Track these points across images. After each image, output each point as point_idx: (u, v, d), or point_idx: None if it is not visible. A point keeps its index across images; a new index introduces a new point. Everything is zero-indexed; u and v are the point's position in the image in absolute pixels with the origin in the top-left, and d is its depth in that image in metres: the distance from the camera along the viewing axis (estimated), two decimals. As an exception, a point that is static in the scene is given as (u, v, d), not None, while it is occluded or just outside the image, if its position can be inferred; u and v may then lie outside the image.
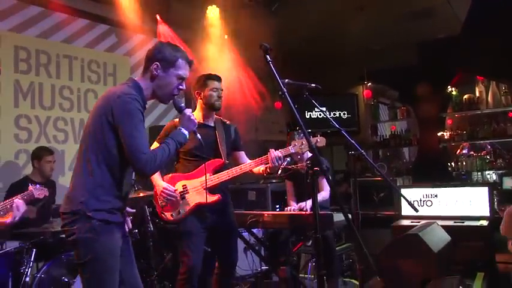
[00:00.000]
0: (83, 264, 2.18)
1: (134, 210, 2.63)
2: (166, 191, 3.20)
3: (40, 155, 4.30)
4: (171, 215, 3.22)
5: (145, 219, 4.24)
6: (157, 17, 5.81)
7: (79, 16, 5.34)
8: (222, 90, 3.41)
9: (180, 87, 2.40)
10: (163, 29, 5.91)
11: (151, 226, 4.24)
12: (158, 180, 3.27)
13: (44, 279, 3.54)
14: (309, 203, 3.85)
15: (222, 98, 3.41)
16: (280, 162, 3.23)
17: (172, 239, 4.63)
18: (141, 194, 4.16)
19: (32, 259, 3.55)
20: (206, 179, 3.14)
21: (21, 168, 4.70)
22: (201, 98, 3.39)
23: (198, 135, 2.50)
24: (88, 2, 5.40)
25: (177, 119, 3.40)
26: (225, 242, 3.38)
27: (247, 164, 3.37)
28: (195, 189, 3.24)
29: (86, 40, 5.43)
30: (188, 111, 2.49)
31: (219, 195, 3.22)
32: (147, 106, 2.38)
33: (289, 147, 3.32)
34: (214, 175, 3.26)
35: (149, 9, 5.50)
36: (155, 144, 3.27)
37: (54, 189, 4.48)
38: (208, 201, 3.14)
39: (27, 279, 3.47)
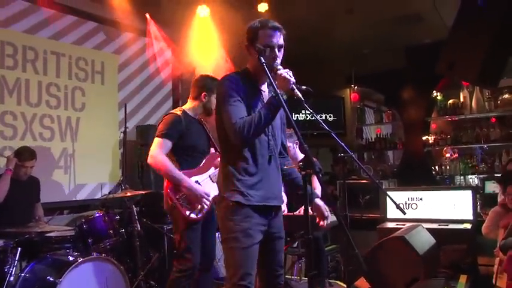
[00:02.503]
0: None
1: None
2: (207, 197, 3.22)
3: (19, 157, 4.16)
4: (197, 214, 3.22)
5: (132, 219, 4.21)
6: (147, 15, 5.78)
7: (67, 13, 5.28)
8: None
9: (273, 55, 2.35)
10: (152, 27, 5.89)
11: (139, 226, 4.21)
12: (191, 182, 3.24)
13: (28, 279, 3.47)
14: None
15: None
16: None
17: (159, 240, 4.64)
18: (129, 194, 4.14)
19: (16, 258, 3.48)
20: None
21: (6, 166, 4.62)
22: (204, 100, 3.44)
23: (297, 91, 2.24)
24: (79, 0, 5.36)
25: (175, 111, 3.42)
26: (204, 238, 3.39)
27: None
28: (206, 183, 3.30)
29: (74, 37, 5.38)
30: (284, 70, 2.29)
31: None
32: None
33: None
34: (218, 168, 3.30)
35: (139, 7, 5.48)
36: (158, 140, 3.25)
37: (37, 186, 4.43)
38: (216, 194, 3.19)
39: (12, 278, 3.41)
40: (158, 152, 3.20)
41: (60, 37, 5.22)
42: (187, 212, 3.18)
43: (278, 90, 2.25)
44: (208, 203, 3.22)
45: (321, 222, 2.67)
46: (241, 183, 2.36)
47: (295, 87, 2.25)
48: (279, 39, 2.40)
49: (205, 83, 3.44)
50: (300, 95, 2.24)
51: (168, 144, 3.24)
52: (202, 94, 3.42)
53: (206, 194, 3.21)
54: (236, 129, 2.25)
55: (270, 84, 2.45)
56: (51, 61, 5.12)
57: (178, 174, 3.19)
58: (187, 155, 3.32)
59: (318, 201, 2.68)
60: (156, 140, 3.25)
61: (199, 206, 3.21)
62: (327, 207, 2.68)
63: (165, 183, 3.27)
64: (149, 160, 3.23)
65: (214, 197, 3.22)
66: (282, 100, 2.21)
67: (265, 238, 2.43)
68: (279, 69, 2.30)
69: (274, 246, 2.52)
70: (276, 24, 2.41)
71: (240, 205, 2.34)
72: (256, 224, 2.36)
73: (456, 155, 7.49)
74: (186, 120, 3.33)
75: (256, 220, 2.37)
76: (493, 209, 4.18)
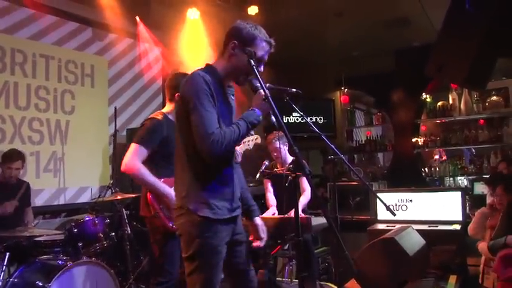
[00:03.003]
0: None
1: None
2: None
3: (5, 159, 4.14)
4: None
5: (122, 223, 4.19)
6: (137, 18, 5.77)
7: (56, 15, 5.26)
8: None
9: (259, 69, 2.25)
10: (142, 30, 5.88)
11: (129, 229, 4.19)
12: (169, 189, 3.05)
13: (17, 284, 3.43)
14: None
15: None
16: (239, 158, 3.28)
17: (150, 243, 4.62)
18: (119, 197, 4.12)
19: (5, 263, 3.45)
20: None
21: (-6, 169, 4.58)
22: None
23: (273, 117, 2.21)
24: (67, 2, 5.33)
25: (155, 115, 3.33)
26: None
27: None
28: None
29: (65, 40, 5.35)
30: (262, 91, 2.22)
31: None
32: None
33: (240, 145, 3.43)
34: None
35: (129, 10, 5.47)
36: (134, 146, 3.18)
37: (27, 190, 4.40)
38: None
39: (0, 283, 3.39)
40: (132, 159, 3.02)
41: (49, 40, 5.19)
42: (171, 224, 3.03)
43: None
44: None
45: (255, 243, 2.53)
46: (208, 194, 2.19)
47: (271, 113, 2.20)
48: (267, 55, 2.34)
49: (174, 84, 3.21)
50: (278, 121, 2.17)
51: (144, 152, 3.05)
52: (177, 95, 3.31)
53: None
54: (213, 141, 2.06)
55: (269, 89, 2.25)
56: (40, 64, 5.09)
57: (155, 181, 3.03)
58: (165, 161, 3.12)
59: (258, 220, 2.55)
60: (132, 146, 3.07)
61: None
62: (264, 228, 2.56)
63: (145, 191, 3.13)
64: (122, 167, 3.05)
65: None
66: (272, 103, 2.18)
67: (231, 245, 2.31)
68: (259, 87, 2.23)
69: (241, 250, 2.39)
70: (272, 40, 2.35)
71: (209, 220, 2.16)
72: (223, 239, 2.22)
73: (444, 157, 7.56)
74: (167, 125, 3.15)
75: (223, 234, 2.22)
76: (480, 210, 4.22)
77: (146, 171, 3.02)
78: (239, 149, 3.47)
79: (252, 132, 3.67)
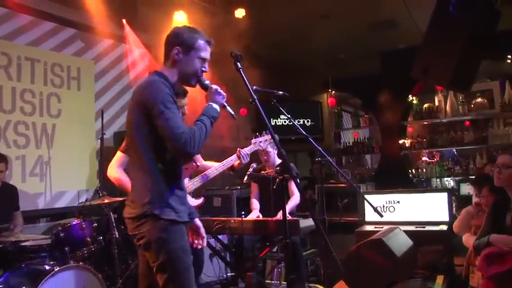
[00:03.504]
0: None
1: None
2: None
3: None
4: None
5: (110, 226, 4.16)
6: (124, 21, 5.74)
7: (44, 19, 5.21)
8: (187, 104, 3.37)
9: (203, 69, 2.36)
10: (129, 33, 5.86)
11: (117, 233, 4.16)
12: None
13: (2, 289, 3.41)
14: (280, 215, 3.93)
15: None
16: (248, 159, 3.39)
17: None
18: (106, 201, 4.10)
19: (-10, 268, 3.42)
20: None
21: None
22: None
23: (229, 108, 2.38)
24: (54, 5, 5.29)
25: None
26: (192, 249, 3.35)
27: (220, 164, 3.42)
28: None
29: (50, 43, 5.30)
30: (214, 86, 2.39)
31: (204, 198, 3.26)
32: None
33: (251, 146, 3.53)
34: (192, 179, 3.28)
35: (116, 13, 5.44)
36: (119, 154, 3.25)
37: (14, 194, 4.36)
38: (194, 204, 3.17)
39: (-15, 289, 3.35)
40: (114, 167, 3.21)
41: (35, 43, 5.14)
42: None
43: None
44: None
45: (196, 243, 2.60)
46: (171, 199, 2.21)
47: (226, 104, 2.37)
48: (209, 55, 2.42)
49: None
50: (231, 112, 2.37)
51: (125, 159, 3.21)
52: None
53: None
54: (185, 141, 2.11)
55: (254, 92, 2.40)
56: (25, 67, 5.03)
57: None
58: None
59: (197, 221, 2.60)
60: (117, 155, 3.27)
61: None
62: (203, 231, 2.63)
63: None
64: (107, 174, 3.26)
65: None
66: (260, 107, 2.22)
67: None
68: (209, 83, 2.37)
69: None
70: (211, 40, 2.42)
71: (175, 223, 2.19)
72: (187, 240, 2.30)
73: (437, 157, 7.62)
74: None
75: (187, 237, 2.31)
76: (466, 208, 4.26)
77: (123, 178, 3.16)
78: (248, 150, 3.51)
79: (265, 133, 3.73)
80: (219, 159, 3.62)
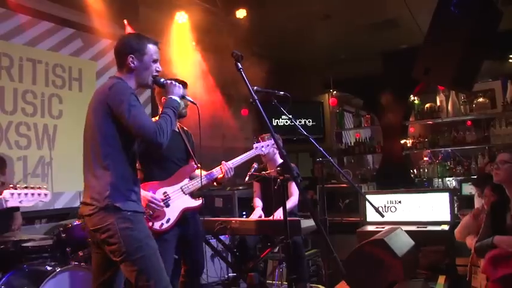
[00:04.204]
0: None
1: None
2: (155, 200, 3.11)
3: None
4: (161, 224, 3.15)
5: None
6: (125, 21, 5.74)
7: (44, 19, 5.21)
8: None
9: (158, 69, 2.54)
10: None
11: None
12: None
13: (4, 290, 3.41)
14: (277, 213, 3.93)
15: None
16: (231, 173, 3.38)
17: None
18: (107, 201, 4.09)
19: (-9, 269, 3.42)
20: (205, 182, 3.31)
21: (-19, 175, 4.52)
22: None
23: (188, 97, 2.61)
24: (54, 5, 5.29)
25: None
26: (193, 249, 3.36)
27: (204, 176, 3.36)
28: (177, 195, 3.22)
29: (51, 44, 5.30)
30: (168, 80, 2.62)
31: (203, 199, 3.25)
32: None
33: (252, 150, 3.50)
34: (192, 180, 3.27)
35: (117, 13, 5.44)
36: None
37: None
38: (193, 205, 3.16)
39: (-14, 290, 3.35)
40: None
41: (36, 43, 5.15)
42: (150, 224, 3.09)
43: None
44: (156, 207, 3.10)
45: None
46: (130, 192, 2.38)
47: (184, 94, 2.67)
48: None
49: (159, 89, 3.30)
50: (191, 100, 2.74)
51: None
52: (163, 99, 3.37)
53: (152, 197, 3.09)
54: (155, 132, 2.30)
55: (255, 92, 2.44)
56: (27, 68, 5.03)
57: None
58: (157, 165, 3.23)
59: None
60: None
61: (165, 217, 3.12)
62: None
63: None
64: None
65: (186, 208, 3.20)
66: (260, 106, 2.23)
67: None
68: (164, 80, 2.60)
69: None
70: (157, 40, 2.60)
71: (138, 213, 2.37)
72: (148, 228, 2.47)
73: (440, 157, 7.60)
74: None
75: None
76: (465, 218, 4.14)
77: None
78: (248, 155, 3.51)
79: (267, 137, 3.73)
80: (219, 160, 3.61)
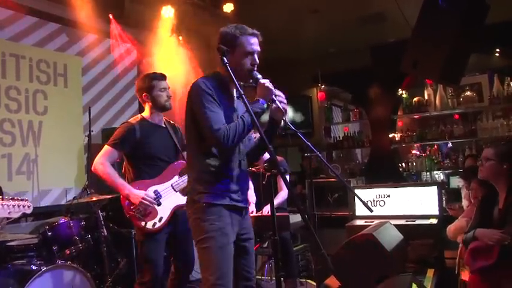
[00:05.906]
0: None
1: None
2: (148, 199, 3.09)
3: None
4: (154, 224, 3.12)
5: (98, 224, 4.11)
6: (110, 16, 5.66)
7: (28, 13, 5.11)
8: (169, 88, 3.37)
9: (254, 62, 2.48)
10: (116, 28, 5.77)
11: (105, 231, 4.11)
12: (131, 188, 3.13)
13: (-11, 290, 3.36)
14: (265, 209, 3.91)
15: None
16: None
17: (127, 244, 4.56)
18: (94, 198, 4.05)
19: (-24, 269, 3.36)
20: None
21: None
22: (149, 100, 3.32)
23: (278, 102, 2.43)
24: (40, 0, 5.19)
25: (132, 119, 3.35)
26: (183, 246, 3.33)
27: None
28: (168, 193, 3.19)
29: (35, 39, 5.21)
30: (265, 80, 2.47)
31: None
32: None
33: None
34: (182, 177, 3.24)
35: (102, 8, 5.35)
36: (106, 148, 3.21)
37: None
38: (185, 202, 3.14)
39: (-29, 290, 3.29)
40: (101, 160, 3.17)
41: (20, 39, 5.05)
42: (143, 223, 3.10)
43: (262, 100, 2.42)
44: (149, 205, 3.10)
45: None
46: (212, 186, 2.40)
47: (275, 98, 2.41)
48: (258, 46, 2.50)
49: (140, 85, 3.37)
50: (280, 106, 2.40)
51: (115, 154, 3.20)
52: (144, 96, 3.33)
53: (146, 195, 3.09)
54: (220, 136, 2.28)
55: (237, 90, 2.44)
56: (10, 63, 4.93)
57: (117, 181, 3.13)
58: (145, 164, 3.22)
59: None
60: (104, 148, 3.23)
61: (139, 211, 3.10)
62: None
63: None
64: (92, 167, 3.20)
65: (178, 206, 3.17)
66: (247, 102, 2.22)
67: (236, 239, 2.46)
68: (260, 78, 2.44)
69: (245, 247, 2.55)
70: (255, 30, 2.51)
71: (213, 205, 2.37)
72: (228, 224, 2.40)
73: (428, 151, 7.63)
74: (142, 129, 3.24)
75: (228, 220, 2.40)
76: (460, 220, 4.07)
77: (111, 172, 3.14)
78: None
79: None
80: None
